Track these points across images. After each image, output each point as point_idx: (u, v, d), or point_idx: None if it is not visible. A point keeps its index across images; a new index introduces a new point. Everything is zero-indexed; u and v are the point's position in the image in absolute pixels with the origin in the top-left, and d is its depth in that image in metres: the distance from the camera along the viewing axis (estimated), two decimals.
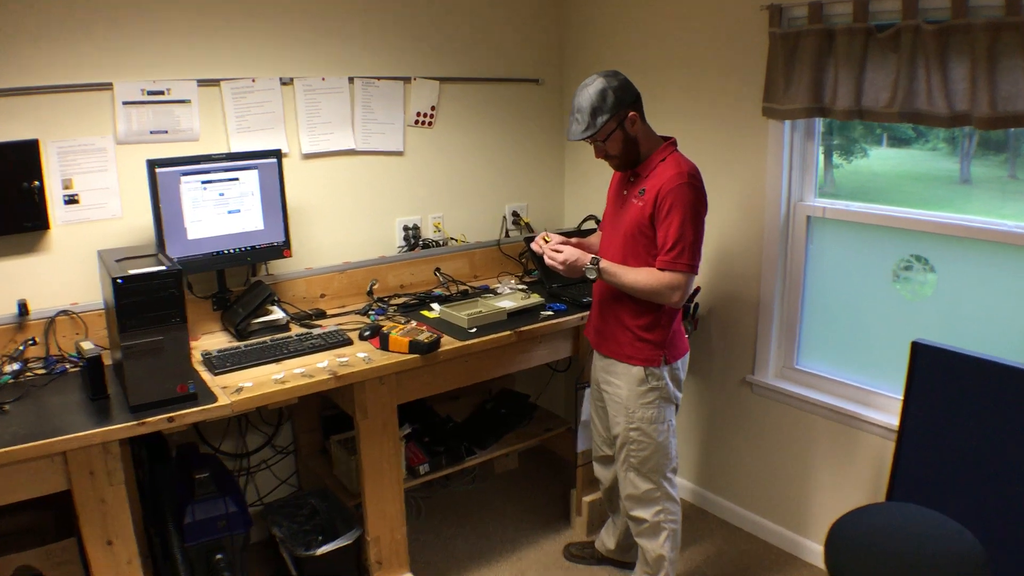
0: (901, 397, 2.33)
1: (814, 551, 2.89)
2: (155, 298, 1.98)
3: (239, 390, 2.15)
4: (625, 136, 2.30)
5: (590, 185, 3.60)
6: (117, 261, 2.13)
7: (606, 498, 2.85)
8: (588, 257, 2.32)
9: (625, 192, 2.43)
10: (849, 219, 2.70)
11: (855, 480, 2.73)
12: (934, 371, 2.26)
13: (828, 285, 2.82)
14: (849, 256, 2.74)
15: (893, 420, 2.53)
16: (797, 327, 2.92)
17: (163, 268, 2.01)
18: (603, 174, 3.56)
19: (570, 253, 2.34)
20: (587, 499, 3.09)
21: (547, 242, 2.42)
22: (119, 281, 1.94)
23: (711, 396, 3.20)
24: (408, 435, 2.88)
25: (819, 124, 2.74)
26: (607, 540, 2.89)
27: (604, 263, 2.31)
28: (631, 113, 2.27)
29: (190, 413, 2.03)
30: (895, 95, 2.33)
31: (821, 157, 2.78)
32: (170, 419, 2.01)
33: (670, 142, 2.39)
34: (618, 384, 2.47)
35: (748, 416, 3.07)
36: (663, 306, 2.36)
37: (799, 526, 2.96)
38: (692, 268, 2.26)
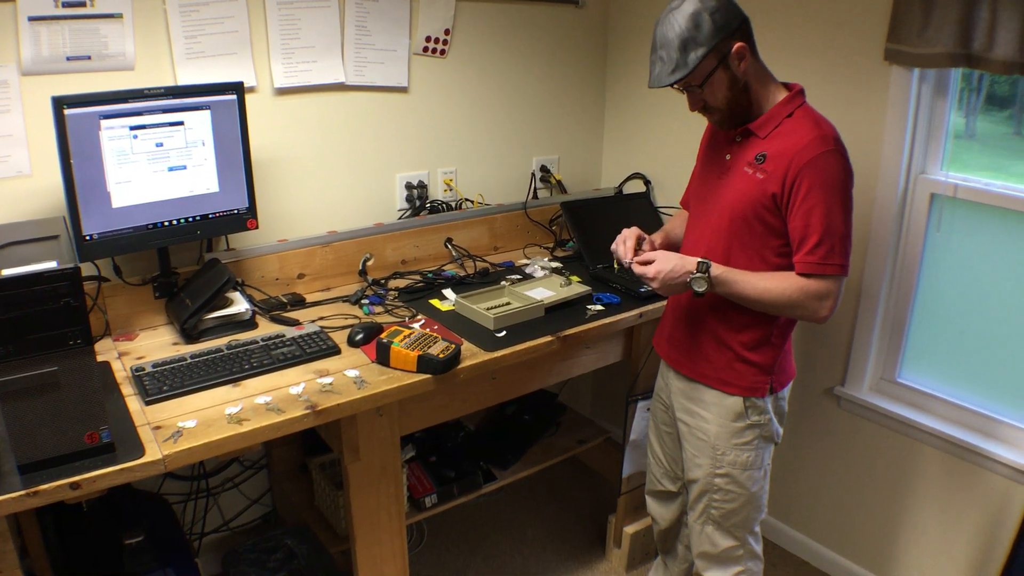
0: None
1: None
2: (42, 311, 1.32)
3: (177, 435, 1.51)
4: (731, 78, 1.63)
5: (636, 136, 2.92)
6: None
7: (659, 539, 2.27)
8: (691, 263, 1.67)
9: (728, 156, 1.76)
10: (991, 203, 2.07)
11: (965, 525, 2.22)
12: None
13: (951, 282, 2.21)
14: (984, 248, 2.14)
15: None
16: (904, 331, 2.31)
17: (50, 267, 1.33)
18: (653, 122, 2.92)
19: (663, 261, 1.68)
20: (629, 530, 2.51)
21: (640, 250, 1.79)
22: None
23: (789, 407, 2.60)
24: (410, 457, 2.28)
25: (956, 77, 2.09)
26: None
27: (717, 270, 1.66)
28: (737, 45, 1.60)
29: (103, 475, 1.40)
30: None
31: (953, 120, 2.13)
32: (74, 485, 1.38)
33: (796, 91, 1.72)
34: (705, 417, 1.85)
35: (833, 435, 2.49)
36: (777, 317, 1.74)
37: (885, 568, 2.44)
38: (845, 269, 1.65)
